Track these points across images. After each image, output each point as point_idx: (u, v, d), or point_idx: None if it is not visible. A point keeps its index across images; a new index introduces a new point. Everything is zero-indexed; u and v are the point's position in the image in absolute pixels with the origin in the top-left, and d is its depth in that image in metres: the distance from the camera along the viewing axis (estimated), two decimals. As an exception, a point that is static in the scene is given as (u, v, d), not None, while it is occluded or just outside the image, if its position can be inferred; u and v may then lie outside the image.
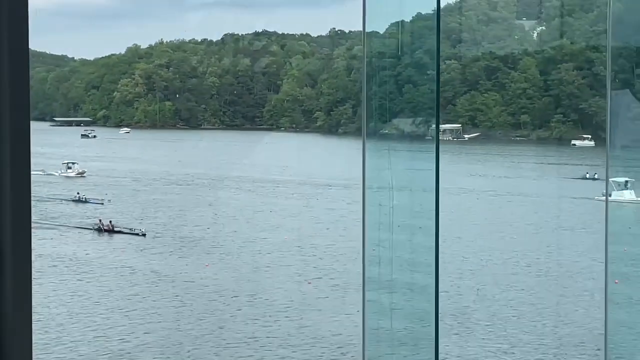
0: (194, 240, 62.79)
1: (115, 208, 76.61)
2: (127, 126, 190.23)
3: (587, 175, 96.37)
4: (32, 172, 4.34)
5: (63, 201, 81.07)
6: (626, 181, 76.32)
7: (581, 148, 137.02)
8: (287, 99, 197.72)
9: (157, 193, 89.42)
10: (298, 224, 70.39)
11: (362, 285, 9.51)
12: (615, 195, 72.50)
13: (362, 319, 9.41)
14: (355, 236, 63.39)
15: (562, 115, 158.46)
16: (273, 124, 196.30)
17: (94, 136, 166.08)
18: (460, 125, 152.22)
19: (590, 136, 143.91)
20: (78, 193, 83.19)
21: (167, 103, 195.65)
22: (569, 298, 47.41)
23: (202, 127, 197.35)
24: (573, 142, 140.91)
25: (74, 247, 60.36)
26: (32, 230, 4.08)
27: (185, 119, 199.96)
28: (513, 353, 39.43)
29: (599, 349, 38.02)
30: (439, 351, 9.39)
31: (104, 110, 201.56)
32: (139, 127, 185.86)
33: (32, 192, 4.06)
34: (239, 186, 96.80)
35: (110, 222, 65.92)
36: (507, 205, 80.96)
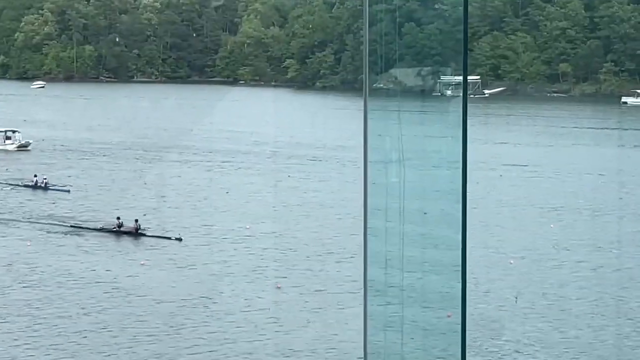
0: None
1: (88, 198, 74.68)
2: (39, 79, 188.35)
3: None
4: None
5: (16, 187, 78.95)
6: None
7: (634, 107, 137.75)
8: (248, 42, 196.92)
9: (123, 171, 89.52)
10: (263, 209, 70.79)
11: (363, 271, 9.84)
12: None
13: (363, 304, 9.99)
14: (333, 223, 64.08)
15: (613, 64, 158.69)
16: (229, 76, 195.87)
17: None
18: (478, 77, 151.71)
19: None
20: (35, 176, 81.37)
21: (88, 47, 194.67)
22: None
23: (135, 79, 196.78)
24: (623, 99, 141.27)
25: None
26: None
27: (112, 69, 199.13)
28: None
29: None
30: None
31: (3, 57, 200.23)
32: (52, 80, 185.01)
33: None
34: (192, 159, 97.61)
35: (137, 221, 62.36)
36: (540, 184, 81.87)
